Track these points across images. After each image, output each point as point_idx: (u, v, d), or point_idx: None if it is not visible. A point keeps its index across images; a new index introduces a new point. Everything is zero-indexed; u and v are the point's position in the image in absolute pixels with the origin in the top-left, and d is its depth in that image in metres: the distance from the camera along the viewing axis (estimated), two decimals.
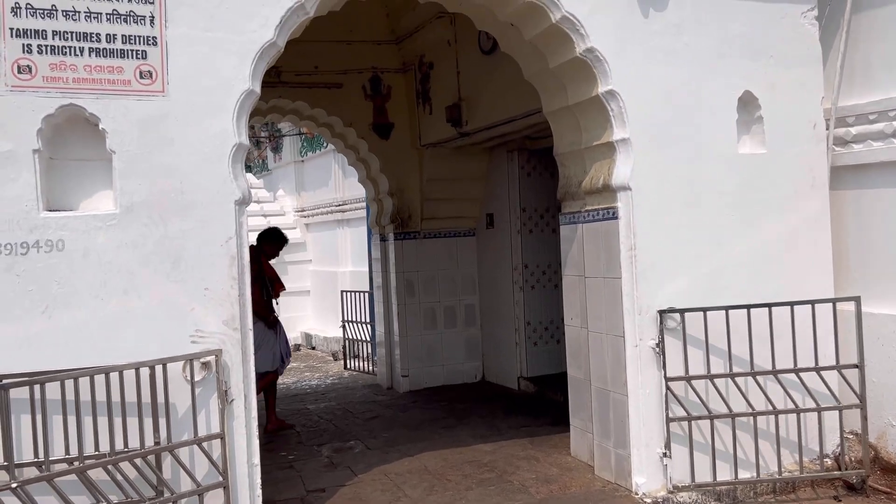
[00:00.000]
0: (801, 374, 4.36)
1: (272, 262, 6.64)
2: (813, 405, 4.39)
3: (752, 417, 4.39)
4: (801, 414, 4.42)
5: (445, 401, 7.32)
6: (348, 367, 9.81)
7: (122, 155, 3.55)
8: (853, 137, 4.82)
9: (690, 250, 4.49)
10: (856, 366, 4.40)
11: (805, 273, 4.70)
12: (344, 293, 9.86)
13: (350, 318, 9.70)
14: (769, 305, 4.38)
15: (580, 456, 5.09)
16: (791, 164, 4.70)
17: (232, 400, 3.68)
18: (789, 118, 4.70)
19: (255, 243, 6.37)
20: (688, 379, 4.36)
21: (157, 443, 3.46)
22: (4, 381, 3.14)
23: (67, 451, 3.31)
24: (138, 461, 3.37)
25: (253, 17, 3.75)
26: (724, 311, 4.36)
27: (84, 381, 3.28)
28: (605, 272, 4.59)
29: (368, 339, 9.22)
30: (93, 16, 3.50)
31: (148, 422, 3.45)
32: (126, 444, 3.40)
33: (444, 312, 8.18)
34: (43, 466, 3.20)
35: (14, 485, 2.92)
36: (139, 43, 3.57)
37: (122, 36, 3.53)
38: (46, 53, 3.44)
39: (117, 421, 3.38)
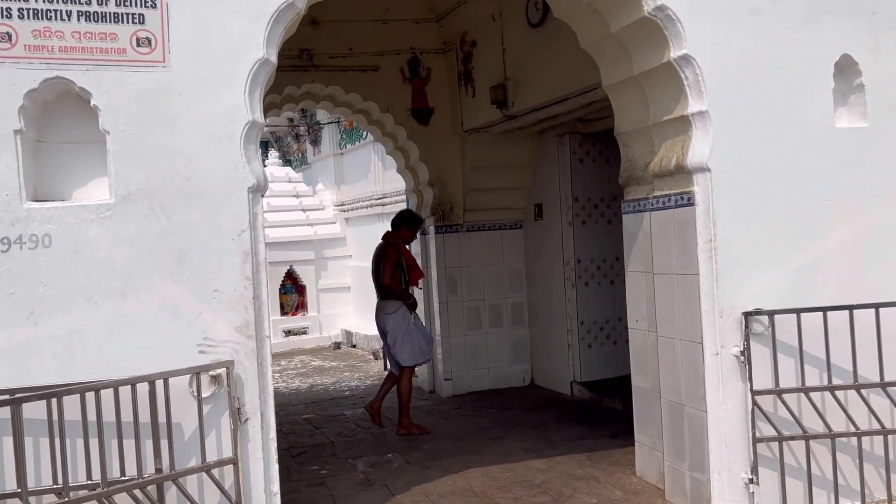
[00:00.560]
0: None
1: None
2: None
3: (855, 438, 3.73)
4: None
5: (492, 407, 6.75)
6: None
7: (118, 135, 3.06)
8: None
9: (779, 242, 3.83)
10: None
11: None
12: None
13: None
14: (877, 306, 3.70)
15: (647, 477, 4.47)
16: None
17: (247, 419, 3.18)
18: None
19: (389, 229, 6.29)
20: (778, 392, 3.72)
21: (158, 470, 2.97)
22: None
23: (55, 480, 2.84)
24: (137, 492, 2.88)
25: None
26: (821, 313, 3.71)
27: (72, 400, 2.80)
28: (678, 268, 3.97)
29: None
30: None
31: (148, 445, 2.96)
32: (122, 472, 2.91)
33: (490, 311, 7.60)
34: (22, 497, 2.73)
35: None
36: (136, 5, 3.08)
37: None
38: (28, 18, 2.97)
39: (111, 445, 2.90)
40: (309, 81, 7.07)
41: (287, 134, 16.48)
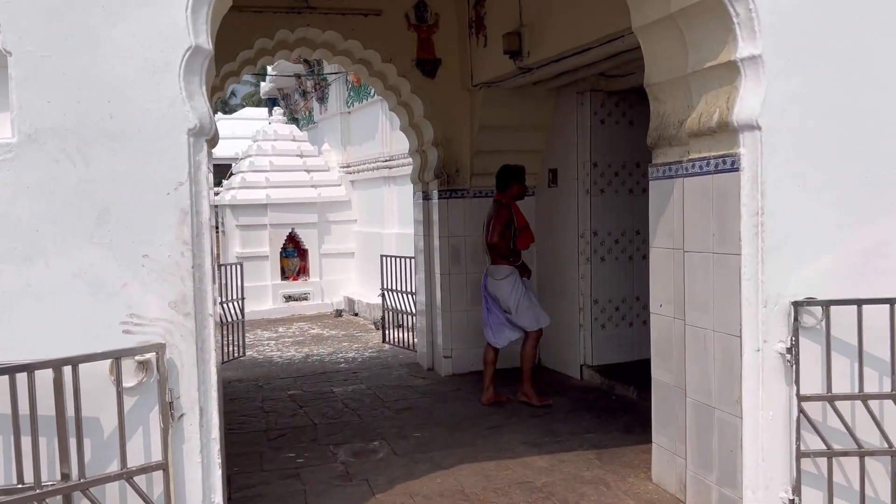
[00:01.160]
0: None
1: None
2: None
3: None
4: None
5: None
6: (387, 339, 8.77)
7: (23, 58, 2.44)
8: None
9: (840, 219, 3.16)
10: None
11: None
12: (384, 258, 8.76)
13: (390, 287, 8.60)
14: None
15: (665, 485, 3.88)
16: None
17: (181, 415, 2.60)
18: None
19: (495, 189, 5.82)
20: (830, 399, 3.09)
21: (65, 476, 2.40)
22: None
23: None
24: None
25: None
26: (888, 306, 3.07)
27: None
28: (715, 245, 3.32)
29: (412, 311, 8.11)
30: None
31: (52, 446, 2.39)
32: (19, 480, 2.35)
33: None
34: None
35: None
36: None
37: None
38: None
39: (8, 445, 2.33)
40: (304, 25, 6.38)
41: (294, 91, 15.80)
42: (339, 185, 12.85)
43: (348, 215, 12.77)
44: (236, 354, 7.99)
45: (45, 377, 2.33)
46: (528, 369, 5.71)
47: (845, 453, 3.11)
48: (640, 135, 6.52)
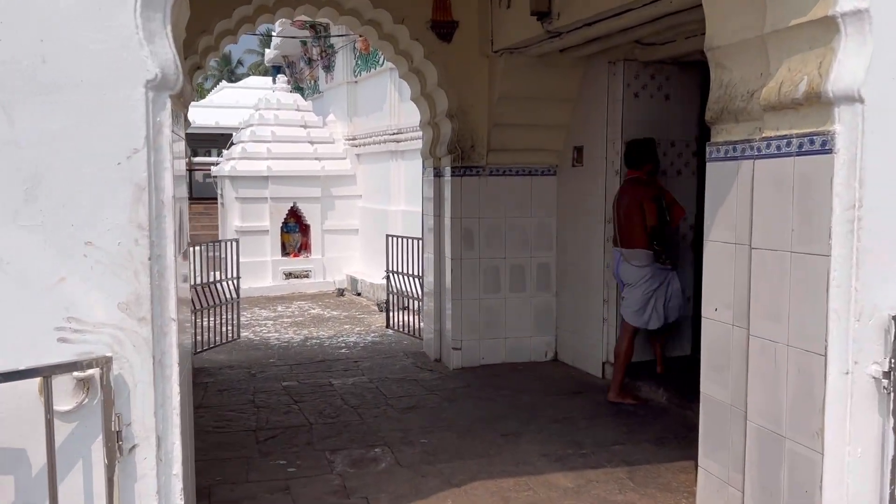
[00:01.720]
0: None
1: None
2: None
3: None
4: None
5: (507, 389, 5.62)
6: (391, 324, 8.23)
7: None
8: None
9: None
10: None
11: None
12: (390, 238, 8.19)
13: (396, 269, 8.05)
14: None
15: None
16: None
17: (133, 446, 2.04)
18: None
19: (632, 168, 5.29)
20: None
21: None
22: None
23: None
24: None
25: None
26: None
27: None
28: (795, 242, 2.74)
29: (418, 295, 7.57)
30: None
31: None
32: None
33: (511, 272, 6.39)
34: None
35: None
36: None
37: None
38: None
39: None
40: None
41: (300, 58, 15.14)
42: (344, 158, 12.27)
43: (353, 190, 12.21)
44: (231, 336, 7.47)
45: None
46: (620, 365, 5.25)
47: None
48: (677, 111, 5.98)
